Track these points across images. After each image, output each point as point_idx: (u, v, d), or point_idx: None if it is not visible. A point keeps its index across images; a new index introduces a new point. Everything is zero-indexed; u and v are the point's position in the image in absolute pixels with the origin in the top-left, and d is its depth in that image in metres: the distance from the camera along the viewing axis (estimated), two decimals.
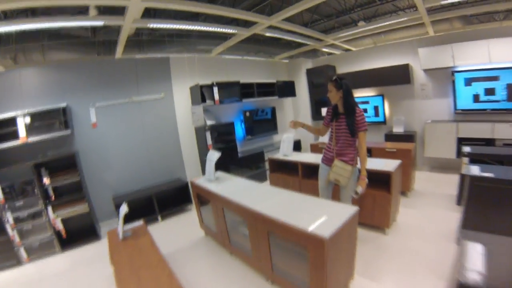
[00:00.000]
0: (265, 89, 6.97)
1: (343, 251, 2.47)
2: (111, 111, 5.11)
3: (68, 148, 4.73)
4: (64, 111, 4.46)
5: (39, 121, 4.32)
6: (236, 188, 3.61)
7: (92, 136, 4.96)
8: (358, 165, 3.06)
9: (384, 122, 6.63)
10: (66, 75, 4.77)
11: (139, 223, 3.57)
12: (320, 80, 7.43)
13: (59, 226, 4.26)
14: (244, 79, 6.56)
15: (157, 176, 5.67)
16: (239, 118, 6.91)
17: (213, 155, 3.97)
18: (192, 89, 5.93)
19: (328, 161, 3.19)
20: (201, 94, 5.68)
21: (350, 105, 2.90)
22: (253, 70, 7.41)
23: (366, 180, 2.93)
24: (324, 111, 7.35)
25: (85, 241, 4.46)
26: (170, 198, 5.31)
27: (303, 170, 4.55)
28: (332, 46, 7.09)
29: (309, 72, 7.71)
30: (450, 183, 4.98)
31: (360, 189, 2.89)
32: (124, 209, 3.15)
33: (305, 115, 8.11)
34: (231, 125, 6.23)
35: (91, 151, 4.96)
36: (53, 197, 4.30)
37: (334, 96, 2.97)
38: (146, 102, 5.50)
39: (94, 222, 4.64)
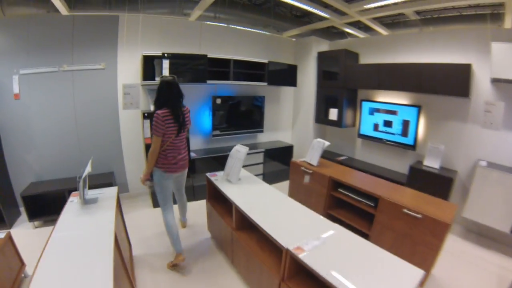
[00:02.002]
0: (250, 71, 4.97)
1: None
2: (37, 81, 3.95)
3: None
4: None
5: None
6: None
7: (15, 109, 3.92)
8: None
9: (412, 147, 4.45)
10: None
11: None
12: (335, 69, 5.29)
13: None
14: (224, 55, 4.66)
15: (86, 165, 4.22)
16: (208, 106, 4.97)
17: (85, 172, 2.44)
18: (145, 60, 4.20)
19: None
20: (147, 67, 4.13)
21: (155, 104, 2.87)
22: (244, 46, 5.34)
23: (144, 178, 2.97)
24: (333, 112, 5.38)
25: None
26: None
27: (239, 217, 2.65)
28: (359, 26, 4.98)
29: (322, 56, 5.53)
30: (491, 275, 3.02)
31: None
32: None
33: (307, 114, 5.96)
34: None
35: (13, 127, 3.95)
36: None
37: None
38: (80, 73, 4.14)
39: (1, 207, 3.68)
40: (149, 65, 4.10)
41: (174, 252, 2.97)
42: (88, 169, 2.42)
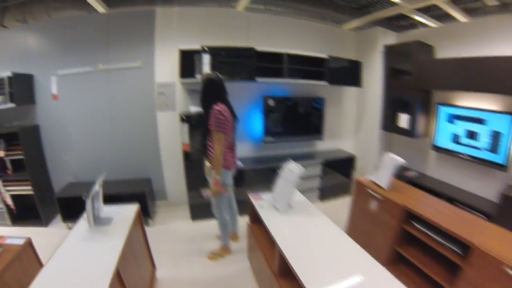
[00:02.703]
0: (307, 67, 4.33)
1: None
2: (74, 81, 3.98)
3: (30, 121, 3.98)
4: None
5: None
6: None
7: (54, 109, 4.01)
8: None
9: (503, 167, 3.47)
10: (32, 37, 3.85)
11: (18, 240, 2.13)
12: (405, 66, 4.42)
13: (8, 201, 3.73)
14: (275, 48, 4.07)
15: (123, 169, 4.23)
16: (258, 107, 4.46)
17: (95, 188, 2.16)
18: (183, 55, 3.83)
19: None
20: (186, 64, 3.75)
21: (203, 103, 2.82)
22: (299, 39, 4.68)
23: (218, 186, 2.75)
24: (403, 118, 4.57)
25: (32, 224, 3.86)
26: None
27: (282, 261, 2.03)
28: (431, 14, 4.10)
29: (389, 50, 4.69)
30: None
31: (205, 192, 2.96)
32: None
33: (372, 120, 5.14)
34: None
35: (52, 127, 4.04)
36: (10, 171, 3.75)
37: None
38: (116, 72, 4.04)
39: (38, 205, 3.82)
40: (188, 61, 3.70)
41: (220, 248, 3.22)
42: (96, 188, 2.13)
